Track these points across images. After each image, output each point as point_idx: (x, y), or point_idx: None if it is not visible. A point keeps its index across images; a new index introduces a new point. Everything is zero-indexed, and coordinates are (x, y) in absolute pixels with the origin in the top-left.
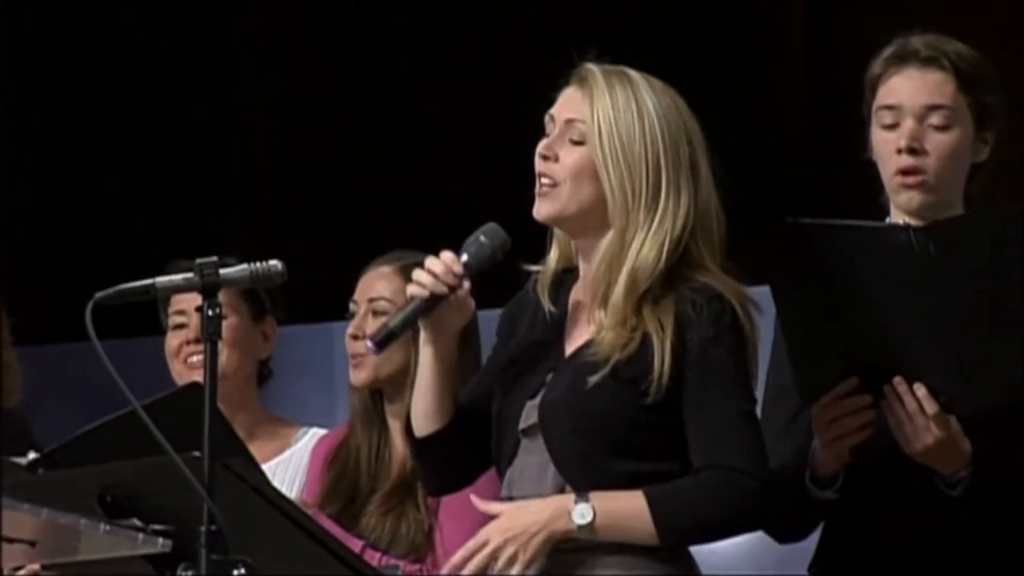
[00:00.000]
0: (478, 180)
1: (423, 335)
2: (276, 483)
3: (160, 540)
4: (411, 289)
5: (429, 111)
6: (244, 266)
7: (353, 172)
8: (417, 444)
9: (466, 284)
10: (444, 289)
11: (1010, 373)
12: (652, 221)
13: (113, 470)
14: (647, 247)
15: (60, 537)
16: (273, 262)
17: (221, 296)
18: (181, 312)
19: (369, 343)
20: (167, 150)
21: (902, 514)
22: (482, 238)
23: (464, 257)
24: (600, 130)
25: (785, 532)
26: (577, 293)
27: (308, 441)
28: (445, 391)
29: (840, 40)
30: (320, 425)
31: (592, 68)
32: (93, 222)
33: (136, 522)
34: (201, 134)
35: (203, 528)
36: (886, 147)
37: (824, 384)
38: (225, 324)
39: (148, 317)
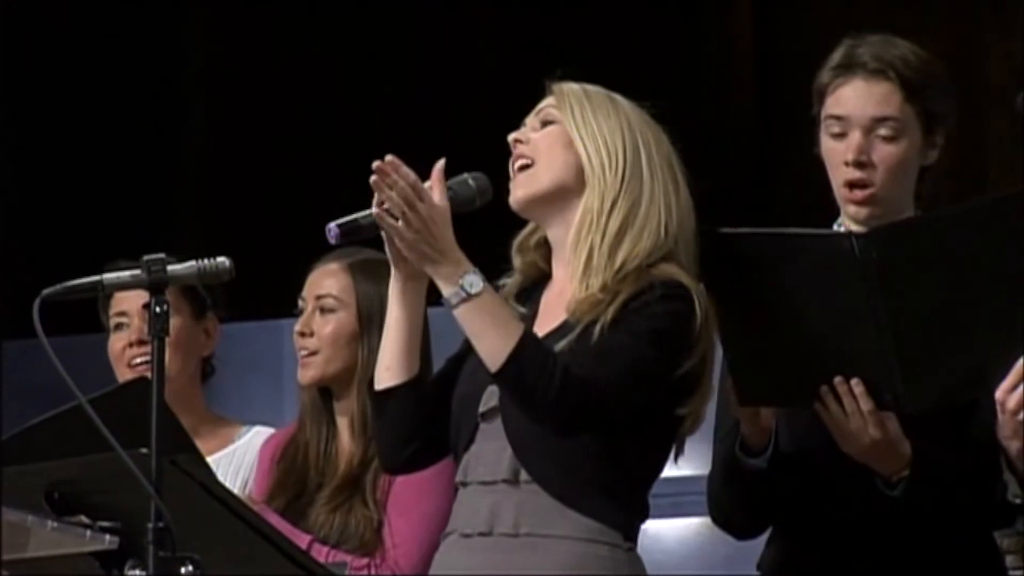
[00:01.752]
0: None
1: (394, 277)
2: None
3: (107, 537)
4: (383, 194)
5: (376, 108)
6: (192, 263)
7: (300, 168)
8: (376, 397)
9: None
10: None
11: (954, 374)
12: (640, 200)
13: (61, 467)
14: (641, 224)
15: (8, 534)
16: (221, 259)
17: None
18: (122, 313)
19: (333, 226)
20: (110, 148)
21: (845, 514)
22: (469, 179)
23: (449, 185)
24: (572, 107)
25: (733, 520)
26: (548, 294)
27: (251, 439)
28: (410, 342)
29: (787, 40)
30: (269, 422)
31: (564, 83)
32: (37, 221)
33: (84, 519)
34: (144, 131)
35: (151, 525)
36: (834, 156)
37: (762, 387)
38: (173, 323)
39: (92, 314)
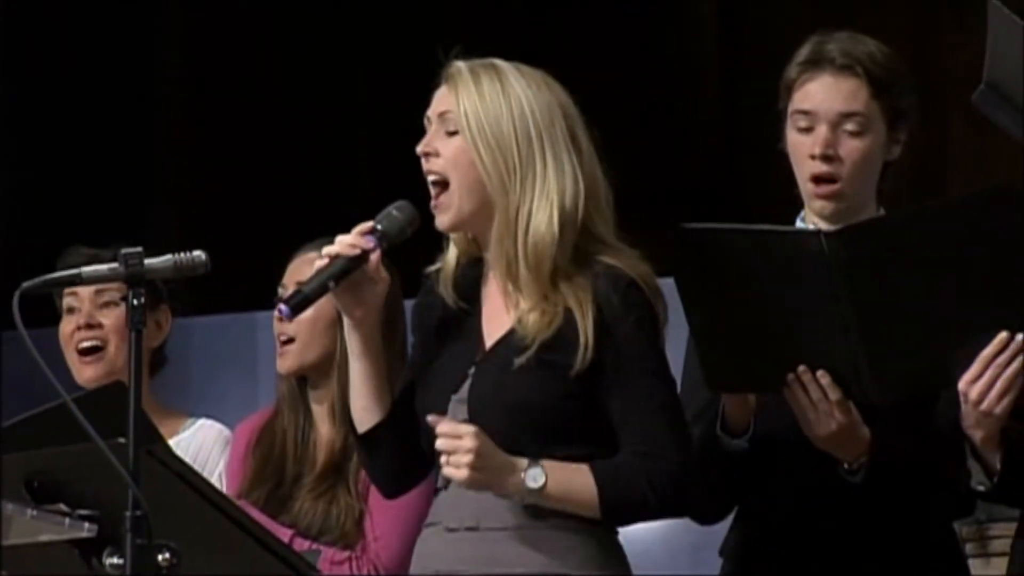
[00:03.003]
0: (398, 169)
1: (346, 322)
2: None
3: (86, 525)
4: (325, 251)
5: (348, 101)
6: (168, 257)
7: (274, 160)
8: (362, 440)
9: (377, 252)
10: (354, 252)
11: (919, 367)
12: (534, 193)
13: (40, 457)
14: (536, 217)
15: None
16: (197, 253)
17: (115, 284)
18: (74, 295)
19: (283, 307)
20: (88, 141)
21: (807, 501)
22: (394, 211)
23: (376, 226)
24: (467, 115)
25: (703, 506)
26: (489, 288)
27: (196, 431)
28: (378, 382)
29: (752, 38)
30: (243, 415)
31: (457, 64)
32: (15, 213)
33: (63, 508)
34: (121, 125)
35: (128, 514)
36: (800, 150)
37: (730, 373)
38: (116, 312)
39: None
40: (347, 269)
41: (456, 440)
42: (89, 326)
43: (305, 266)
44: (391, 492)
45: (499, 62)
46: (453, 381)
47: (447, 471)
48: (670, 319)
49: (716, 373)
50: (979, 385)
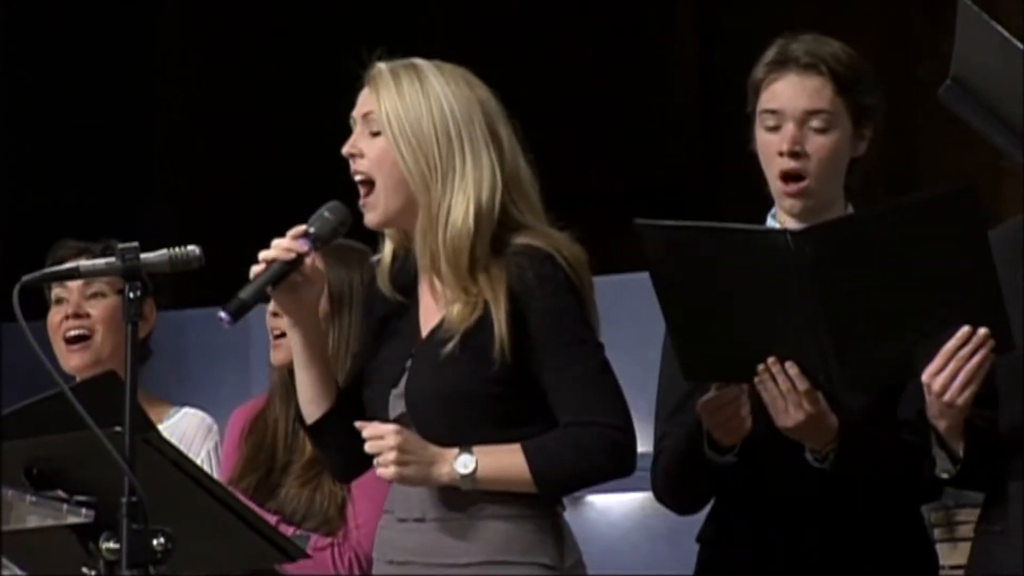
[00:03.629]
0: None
1: (287, 320)
2: None
3: (83, 511)
4: (262, 255)
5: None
6: (164, 251)
7: (268, 157)
8: (310, 431)
9: (312, 255)
10: (290, 255)
11: (884, 359)
12: (454, 189)
13: (39, 445)
14: (454, 213)
15: None
16: (191, 247)
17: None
18: (62, 286)
19: (222, 313)
20: (87, 137)
21: (781, 490)
22: (326, 213)
23: (309, 229)
24: (388, 116)
25: (681, 502)
26: (423, 282)
27: (180, 419)
28: (322, 374)
29: (729, 43)
30: (236, 405)
31: (378, 65)
32: (14, 207)
33: (61, 494)
34: (120, 121)
35: (124, 500)
36: (769, 148)
37: (705, 364)
38: (104, 303)
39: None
40: (283, 273)
41: (379, 440)
42: (77, 316)
43: None
44: (343, 478)
45: (419, 61)
46: (392, 376)
47: (378, 472)
48: (648, 314)
49: (690, 363)
50: (942, 377)
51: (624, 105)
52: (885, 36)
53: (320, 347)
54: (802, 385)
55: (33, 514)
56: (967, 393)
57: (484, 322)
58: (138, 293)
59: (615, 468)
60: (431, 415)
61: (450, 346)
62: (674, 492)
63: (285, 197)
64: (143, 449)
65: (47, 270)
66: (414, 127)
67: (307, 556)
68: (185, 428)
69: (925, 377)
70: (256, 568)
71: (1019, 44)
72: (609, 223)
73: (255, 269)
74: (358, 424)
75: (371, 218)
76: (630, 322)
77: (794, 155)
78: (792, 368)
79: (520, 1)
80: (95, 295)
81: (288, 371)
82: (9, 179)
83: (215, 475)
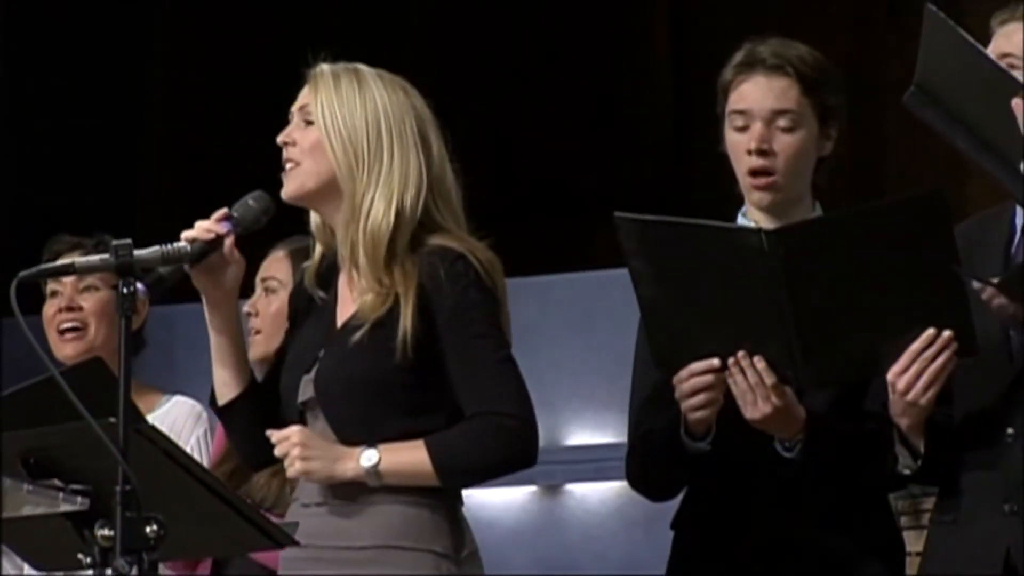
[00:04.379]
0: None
1: (205, 301)
2: None
3: (78, 499)
4: (184, 235)
5: None
6: (156, 248)
7: (256, 158)
8: (220, 413)
9: (231, 237)
10: (210, 236)
11: (850, 356)
12: (378, 183)
13: (35, 435)
14: (376, 205)
15: None
16: (182, 243)
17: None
18: (56, 279)
19: (140, 285)
20: (80, 135)
21: (753, 479)
22: (250, 200)
23: (232, 212)
24: (323, 107)
25: (655, 489)
26: (341, 278)
27: (171, 407)
28: (236, 358)
29: (701, 47)
30: None
31: (321, 66)
32: (10, 204)
33: (57, 483)
34: (110, 120)
35: (118, 488)
36: (738, 148)
37: (677, 354)
38: (96, 297)
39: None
40: (203, 252)
41: (284, 442)
42: (70, 308)
43: (272, 263)
44: (252, 464)
45: (361, 66)
46: (306, 362)
47: (288, 472)
48: (624, 309)
49: (663, 353)
50: (906, 376)
51: (599, 108)
52: (852, 40)
53: (236, 331)
54: (769, 379)
55: (30, 502)
56: (930, 393)
57: (393, 314)
58: (132, 288)
59: (516, 459)
60: (337, 400)
61: (359, 334)
62: (649, 479)
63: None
64: (136, 439)
65: (43, 266)
66: (346, 120)
67: (295, 543)
68: (176, 415)
69: (890, 376)
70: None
71: (983, 49)
72: (585, 221)
73: (183, 236)
74: (268, 432)
75: (287, 188)
76: (606, 317)
77: (762, 153)
78: (760, 362)
79: (497, 9)
80: (88, 288)
81: (261, 365)
82: (6, 178)
83: (205, 461)
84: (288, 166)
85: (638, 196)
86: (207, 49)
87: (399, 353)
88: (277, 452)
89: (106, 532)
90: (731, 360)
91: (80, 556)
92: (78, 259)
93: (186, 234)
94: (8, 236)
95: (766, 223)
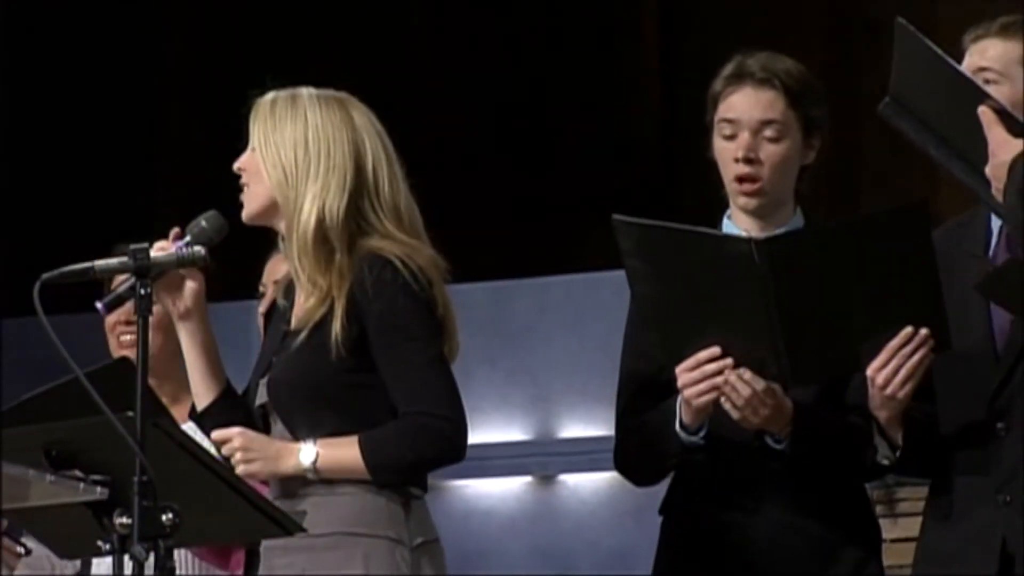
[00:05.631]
0: None
1: (173, 316)
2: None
3: (98, 489)
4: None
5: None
6: (172, 252)
7: None
8: (197, 421)
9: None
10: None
11: (833, 355)
12: (307, 194)
13: (57, 428)
14: (305, 211)
15: (11, 486)
16: (197, 248)
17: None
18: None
19: (99, 304)
20: (98, 144)
21: (734, 467)
22: (203, 222)
23: (186, 234)
24: (259, 133)
25: (645, 476)
26: (296, 284)
27: None
28: (208, 368)
29: (688, 58)
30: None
31: (264, 96)
32: (32, 209)
33: (77, 473)
34: (127, 130)
35: (136, 479)
36: (726, 155)
37: (669, 349)
38: (154, 310)
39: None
40: (160, 272)
41: (228, 444)
42: (128, 322)
43: (279, 264)
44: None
45: (301, 90)
46: (263, 367)
47: (237, 471)
48: (615, 309)
49: (657, 348)
50: (885, 372)
51: (593, 119)
52: (830, 54)
53: (206, 342)
54: (759, 385)
55: (52, 492)
56: (908, 387)
57: (329, 316)
58: (149, 290)
59: (442, 456)
60: (285, 403)
61: (299, 339)
62: (640, 467)
63: None
64: (153, 432)
65: (65, 268)
66: (277, 141)
67: (303, 530)
68: None
69: (870, 372)
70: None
71: (952, 61)
72: (579, 226)
73: (190, 250)
74: (213, 435)
75: (244, 213)
76: (598, 316)
77: (749, 161)
78: (745, 373)
79: (491, 19)
80: None
81: None
82: (24, 188)
83: None
84: (242, 184)
85: (628, 201)
86: (220, 56)
87: (333, 353)
88: (225, 452)
89: (124, 520)
90: (721, 380)
91: (99, 543)
92: (98, 262)
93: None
94: (30, 242)
95: (750, 226)
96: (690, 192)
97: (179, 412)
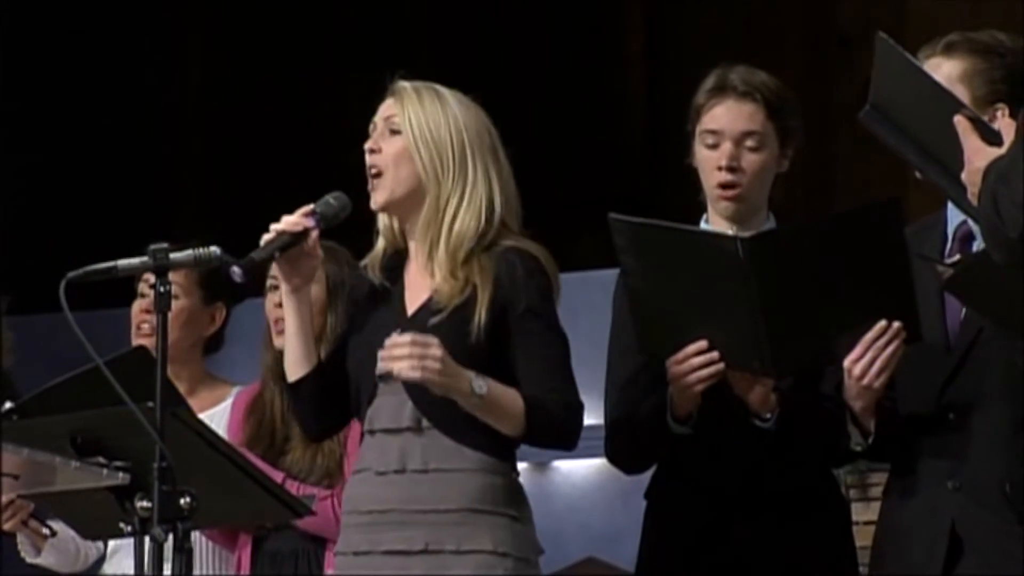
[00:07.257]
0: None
1: (284, 287)
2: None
3: (120, 474)
4: (273, 227)
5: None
6: (189, 251)
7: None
8: (291, 389)
9: (315, 232)
10: (297, 228)
11: (812, 347)
12: (463, 193)
13: (82, 417)
14: (465, 214)
15: (38, 472)
16: (213, 248)
17: (179, 280)
18: (145, 281)
19: (235, 268)
20: (121, 150)
21: (715, 455)
22: (331, 199)
23: (315, 208)
24: (410, 119)
25: (635, 464)
26: (410, 271)
27: (237, 396)
28: (308, 340)
29: (672, 69)
30: (248, 383)
31: (402, 83)
32: (58, 210)
33: (101, 460)
34: (149, 135)
35: (156, 465)
36: (708, 163)
37: (659, 342)
38: (175, 304)
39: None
40: (290, 243)
41: (424, 348)
42: (148, 311)
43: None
44: (314, 435)
45: (439, 86)
46: (381, 340)
47: (410, 374)
48: (603, 307)
49: (646, 341)
50: (861, 363)
51: (583, 128)
52: (806, 66)
53: (307, 315)
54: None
55: (77, 477)
56: (883, 378)
57: (470, 302)
58: (167, 287)
59: (569, 437)
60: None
61: (439, 318)
62: (631, 456)
63: (290, 206)
64: (171, 421)
65: (88, 268)
66: (433, 130)
67: (312, 513)
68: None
69: (847, 363)
70: (270, 523)
71: (929, 72)
72: (572, 228)
73: (266, 237)
74: (394, 337)
75: (377, 198)
76: (589, 312)
77: (731, 169)
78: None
79: (482, 30)
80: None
81: (279, 354)
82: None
83: None
84: (372, 171)
85: (616, 204)
86: (238, 61)
87: (474, 336)
88: (412, 351)
89: (145, 504)
90: (707, 373)
91: (122, 525)
92: (121, 261)
93: (275, 226)
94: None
95: (726, 229)
96: (673, 196)
97: (196, 402)
